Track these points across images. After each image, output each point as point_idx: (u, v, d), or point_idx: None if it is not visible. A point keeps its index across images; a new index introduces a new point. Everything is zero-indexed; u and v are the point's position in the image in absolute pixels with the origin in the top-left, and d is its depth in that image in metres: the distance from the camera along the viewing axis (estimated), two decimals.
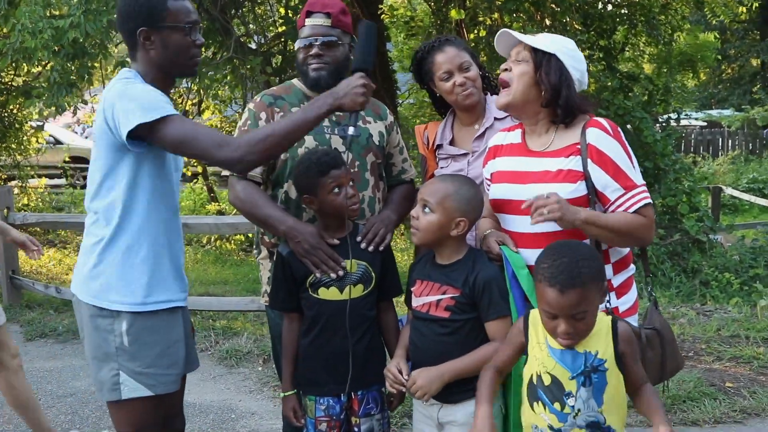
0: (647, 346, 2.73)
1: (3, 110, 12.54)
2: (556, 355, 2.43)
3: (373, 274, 3.02)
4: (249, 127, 3.21)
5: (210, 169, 15.52)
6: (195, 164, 14.28)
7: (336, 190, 2.96)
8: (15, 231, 4.63)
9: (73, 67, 7.96)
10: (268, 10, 11.28)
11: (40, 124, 13.38)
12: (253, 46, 10.49)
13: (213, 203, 14.82)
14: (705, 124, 26.62)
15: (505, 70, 2.84)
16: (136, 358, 2.78)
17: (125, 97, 2.66)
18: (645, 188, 2.70)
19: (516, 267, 2.73)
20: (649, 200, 2.69)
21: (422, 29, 11.93)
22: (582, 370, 2.39)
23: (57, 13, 7.74)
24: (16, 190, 13.42)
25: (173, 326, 2.88)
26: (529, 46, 2.79)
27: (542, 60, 2.76)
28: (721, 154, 23.25)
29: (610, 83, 9.74)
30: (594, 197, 2.68)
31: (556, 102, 2.75)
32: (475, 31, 10.10)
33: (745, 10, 13.58)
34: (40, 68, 9.82)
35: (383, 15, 10.85)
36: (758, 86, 27.88)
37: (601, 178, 2.67)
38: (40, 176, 15.86)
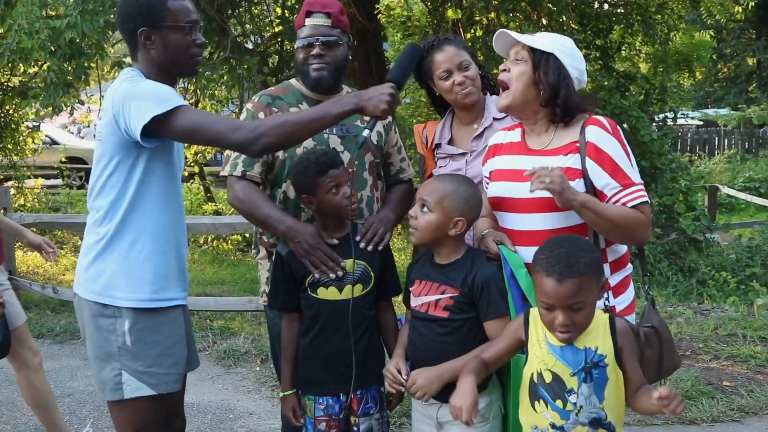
0: (646, 345, 2.73)
1: None
2: (557, 351, 2.43)
3: (372, 273, 3.02)
4: None
5: (207, 169, 15.52)
6: (191, 164, 14.28)
7: (334, 189, 2.96)
8: (31, 233, 4.66)
9: (69, 68, 7.95)
10: (265, 10, 11.28)
11: (36, 124, 13.36)
12: (250, 46, 10.49)
13: (210, 203, 14.81)
14: (701, 123, 26.64)
15: (504, 70, 2.84)
16: (139, 357, 2.78)
17: (136, 94, 2.67)
18: (642, 187, 2.70)
19: (514, 266, 2.73)
20: (647, 199, 2.68)
21: (419, 29, 11.91)
22: (583, 366, 2.40)
23: (54, 13, 7.74)
24: (12, 191, 13.40)
25: (175, 325, 2.89)
26: (527, 45, 2.80)
27: (540, 59, 2.76)
28: (718, 153, 23.27)
29: (606, 82, 9.75)
30: (592, 194, 2.68)
31: (555, 101, 2.75)
32: (472, 31, 10.10)
33: (741, 9, 13.57)
34: (36, 68, 9.81)
35: (380, 15, 10.85)
36: (754, 85, 27.93)
37: (599, 176, 2.67)
38: (36, 177, 15.84)
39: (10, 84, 11.82)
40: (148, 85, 2.73)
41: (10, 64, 9.30)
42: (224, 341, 6.73)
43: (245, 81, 9.76)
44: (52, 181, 18.32)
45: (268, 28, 11.25)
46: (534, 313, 2.53)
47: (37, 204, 14.55)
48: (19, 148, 13.47)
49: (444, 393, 2.77)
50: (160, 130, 2.66)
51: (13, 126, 12.92)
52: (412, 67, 3.04)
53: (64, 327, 7.36)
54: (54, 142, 19.85)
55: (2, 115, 12.62)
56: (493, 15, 9.81)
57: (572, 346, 2.42)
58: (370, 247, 3.03)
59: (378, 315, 3.10)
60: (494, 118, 3.29)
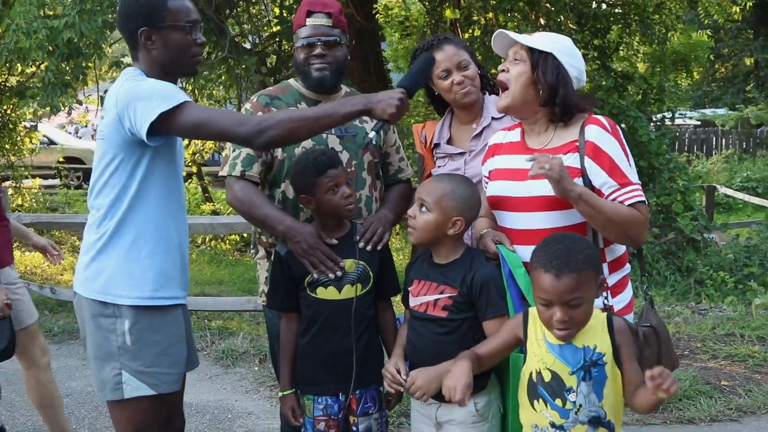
0: (644, 344, 2.72)
1: None
2: (555, 350, 2.43)
3: (371, 273, 3.02)
4: None
5: (205, 169, 15.52)
6: (189, 164, 14.28)
7: (333, 189, 2.96)
8: (36, 236, 4.67)
9: (67, 67, 7.94)
10: (263, 10, 11.27)
11: (34, 124, 13.35)
12: (248, 45, 10.48)
13: (207, 203, 14.82)
14: (699, 123, 26.68)
15: (503, 71, 2.84)
16: (139, 357, 2.78)
17: (141, 92, 2.68)
18: (640, 187, 2.70)
19: (513, 266, 2.73)
20: (644, 199, 2.68)
21: (417, 29, 11.94)
22: (582, 365, 2.40)
23: (51, 13, 7.74)
24: (10, 191, 13.41)
25: (175, 324, 2.89)
26: (525, 45, 2.80)
27: (539, 59, 2.76)
28: (715, 153, 23.30)
29: (604, 82, 9.76)
30: None
31: (554, 101, 2.75)
32: (470, 31, 10.12)
33: (738, 10, 13.59)
34: (34, 68, 9.81)
35: (378, 15, 10.86)
36: (752, 85, 27.98)
37: (597, 174, 2.67)
38: (34, 177, 15.84)
39: (7, 84, 11.81)
40: (152, 83, 2.73)
41: (7, 64, 9.28)
42: (222, 341, 6.73)
43: (243, 81, 9.76)
44: (50, 181, 18.33)
45: (266, 28, 11.24)
46: (533, 312, 2.53)
47: (34, 204, 14.55)
48: (16, 148, 13.47)
49: (442, 393, 2.78)
50: (165, 127, 2.66)
51: (10, 126, 12.92)
52: (425, 76, 3.06)
53: (62, 327, 7.36)
54: (52, 142, 19.85)
55: (0, 115, 12.61)
56: (491, 15, 9.83)
57: (571, 344, 2.42)
58: (369, 247, 3.03)
59: (377, 315, 3.10)
60: (493, 118, 3.29)
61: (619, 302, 2.77)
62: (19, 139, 13.42)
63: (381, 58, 11.43)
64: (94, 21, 7.25)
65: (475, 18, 10.09)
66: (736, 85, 29.32)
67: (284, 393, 3.11)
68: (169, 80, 2.89)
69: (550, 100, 2.76)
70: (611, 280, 2.77)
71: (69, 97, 8.63)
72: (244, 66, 9.02)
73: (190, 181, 15.46)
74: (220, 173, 3.28)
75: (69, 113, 9.24)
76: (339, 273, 2.97)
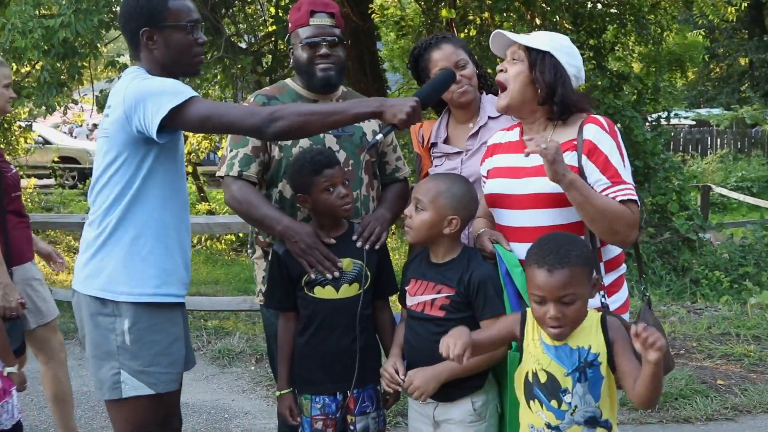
0: None
1: None
2: (551, 351, 2.44)
3: (368, 272, 3.03)
4: None
5: (200, 168, 15.50)
6: (185, 164, 14.26)
7: (329, 189, 2.96)
8: (42, 242, 4.67)
9: (63, 67, 7.94)
10: (259, 10, 11.27)
11: (29, 123, 13.33)
12: (244, 45, 10.48)
13: (203, 203, 14.80)
14: (694, 122, 26.70)
15: (501, 71, 2.85)
16: (138, 356, 2.78)
17: (149, 89, 2.69)
18: (632, 187, 2.69)
19: (509, 265, 2.74)
20: (635, 198, 2.66)
21: (413, 29, 11.93)
22: (577, 366, 2.40)
23: (47, 12, 7.73)
24: None
25: (174, 323, 2.90)
26: (523, 45, 2.80)
27: (537, 58, 2.77)
28: (710, 153, 23.32)
29: (600, 82, 9.77)
30: None
31: (552, 99, 2.76)
32: (466, 31, 10.11)
33: (733, 10, 13.62)
34: (29, 68, 9.79)
35: (373, 14, 10.85)
36: (746, 85, 27.99)
37: (591, 172, 2.67)
38: (29, 176, 15.81)
39: None
40: (159, 81, 2.74)
41: None
42: (219, 341, 6.72)
43: (239, 80, 9.77)
44: (45, 181, 18.29)
45: (261, 28, 11.25)
46: (531, 312, 2.53)
47: (29, 204, 14.51)
48: (11, 147, 13.44)
49: (441, 392, 2.78)
50: (175, 123, 2.67)
51: (5, 125, 12.89)
52: (442, 91, 3.06)
53: (59, 327, 7.32)
54: (47, 142, 19.83)
55: None
56: (486, 15, 9.83)
57: (566, 345, 2.42)
58: (366, 246, 3.03)
59: (375, 314, 3.10)
60: (489, 117, 3.29)
61: (614, 302, 2.77)
62: (14, 138, 13.39)
63: (377, 57, 11.44)
64: (90, 20, 7.25)
65: (470, 18, 10.08)
66: (731, 85, 29.34)
67: (282, 392, 3.11)
68: None
69: (548, 99, 2.76)
70: (607, 279, 2.77)
71: (64, 96, 8.62)
72: (239, 65, 9.02)
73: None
74: (218, 174, 3.28)
75: (64, 113, 9.21)
76: (336, 273, 2.97)
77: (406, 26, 12.19)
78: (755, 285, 8.14)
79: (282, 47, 9.73)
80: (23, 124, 13.31)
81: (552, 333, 2.41)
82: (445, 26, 9.84)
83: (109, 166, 2.79)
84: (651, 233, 9.28)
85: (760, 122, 23.85)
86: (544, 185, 2.65)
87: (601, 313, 2.49)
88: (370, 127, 3.33)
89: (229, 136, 3.28)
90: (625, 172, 2.70)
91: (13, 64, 9.41)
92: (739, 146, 24.04)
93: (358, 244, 3.03)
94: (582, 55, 3.00)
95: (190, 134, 12.39)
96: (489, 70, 3.58)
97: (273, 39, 10.20)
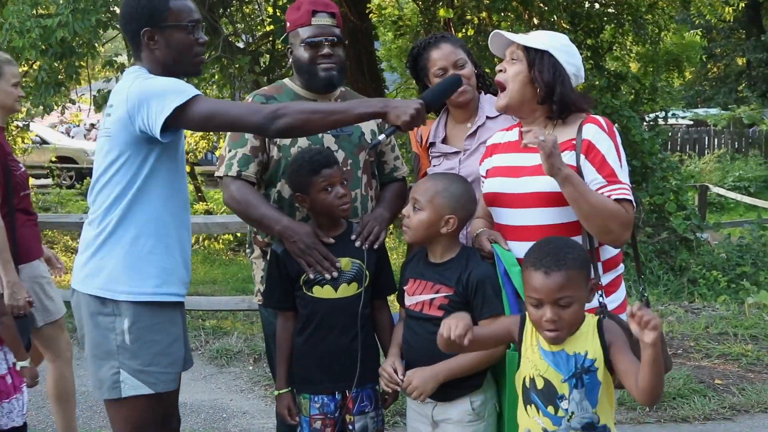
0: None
1: None
2: (549, 357, 2.43)
3: (367, 272, 3.03)
4: None
5: (197, 168, 15.50)
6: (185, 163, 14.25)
7: (327, 189, 2.96)
8: (43, 247, 4.66)
9: (60, 67, 7.93)
10: (256, 9, 11.28)
11: (26, 123, 13.31)
12: (241, 45, 10.49)
13: (201, 203, 14.80)
14: (691, 122, 26.73)
15: (500, 71, 2.85)
16: (137, 356, 2.78)
17: (153, 89, 2.69)
18: (628, 187, 2.68)
19: (508, 264, 2.74)
20: (631, 198, 2.66)
21: (410, 28, 11.94)
22: (574, 372, 2.39)
23: (45, 12, 7.72)
24: None
25: (174, 323, 2.90)
26: (522, 45, 2.81)
27: (535, 58, 2.77)
28: (708, 153, 23.32)
29: (597, 82, 9.78)
30: None
31: (551, 98, 2.76)
32: (463, 30, 10.12)
33: (731, 10, 13.63)
34: (27, 68, 9.79)
35: (371, 14, 10.86)
36: (744, 85, 28.06)
37: (588, 171, 2.67)
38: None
39: None
40: (163, 80, 2.75)
41: None
42: (217, 341, 6.72)
43: (236, 80, 9.77)
44: (42, 181, 18.28)
45: (259, 28, 11.25)
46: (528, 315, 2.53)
47: None
48: None
49: (439, 392, 2.78)
50: (178, 121, 2.67)
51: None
52: (447, 96, 3.09)
53: None
54: (44, 142, 19.82)
55: None
56: (484, 14, 9.84)
57: (563, 351, 2.41)
58: (365, 246, 3.04)
59: (373, 313, 3.10)
60: (488, 117, 3.29)
61: (612, 301, 2.77)
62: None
63: (374, 57, 11.44)
64: (88, 20, 7.24)
65: (468, 17, 10.09)
66: (728, 85, 29.40)
67: (280, 392, 3.11)
68: None
69: (547, 98, 2.77)
70: (605, 279, 2.77)
71: (62, 96, 8.61)
72: (237, 65, 9.03)
73: None
74: (216, 174, 3.28)
75: (62, 113, 9.21)
76: (335, 274, 2.97)
77: (404, 26, 12.20)
78: (753, 285, 8.15)
79: (280, 47, 9.73)
80: (21, 124, 13.28)
81: (548, 336, 2.40)
82: (442, 26, 9.85)
83: (110, 166, 2.79)
84: (649, 233, 9.29)
85: (757, 122, 23.92)
86: (543, 184, 2.65)
87: (597, 317, 2.49)
88: (368, 127, 3.33)
89: (228, 136, 3.28)
90: (622, 173, 2.69)
91: None
92: (736, 146, 24.04)
93: (357, 243, 3.03)
94: (579, 54, 3.00)
95: (188, 134, 12.38)
96: (487, 70, 3.58)
97: (271, 39, 10.20)
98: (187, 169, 13.14)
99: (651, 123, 11.08)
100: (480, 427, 2.82)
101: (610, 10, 11.35)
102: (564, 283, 2.34)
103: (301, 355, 3.05)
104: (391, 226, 3.31)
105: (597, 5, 11.53)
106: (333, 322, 2.99)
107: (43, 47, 7.44)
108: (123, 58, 10.02)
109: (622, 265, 2.91)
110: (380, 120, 3.25)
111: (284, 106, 2.72)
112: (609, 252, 2.82)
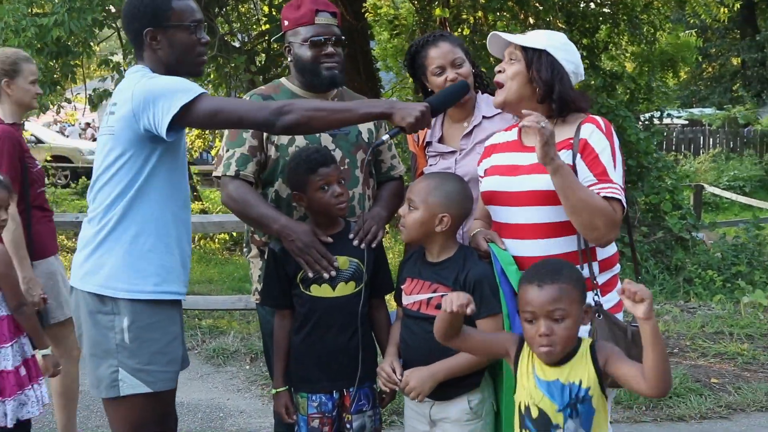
0: (632, 344, 2.72)
1: None
2: (543, 387, 2.41)
3: (364, 271, 3.03)
4: None
5: (193, 168, 15.48)
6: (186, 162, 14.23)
7: (324, 187, 2.96)
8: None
9: (56, 66, 7.92)
10: (252, 9, 11.27)
11: (21, 122, 13.26)
12: (237, 44, 10.48)
13: (196, 202, 14.78)
14: (686, 122, 26.78)
15: (500, 71, 2.85)
16: (136, 355, 2.78)
17: (159, 88, 2.69)
18: (619, 187, 2.67)
19: (504, 263, 2.74)
20: (620, 198, 2.65)
21: (406, 28, 11.95)
22: (568, 402, 2.39)
23: (40, 11, 7.72)
24: None
25: (173, 322, 2.90)
26: (519, 45, 2.81)
27: (533, 57, 2.77)
28: (703, 152, 23.36)
29: (593, 82, 9.80)
30: None
31: (551, 97, 2.76)
32: (459, 30, 10.14)
33: (726, 11, 13.65)
34: None
35: (367, 13, 10.86)
36: (738, 84, 28.11)
37: (581, 169, 2.68)
38: None
39: None
40: (168, 79, 2.75)
41: None
42: (213, 340, 6.71)
43: (232, 79, 9.76)
44: None
45: (255, 27, 11.24)
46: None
47: None
48: None
49: (437, 391, 2.79)
50: (184, 120, 2.68)
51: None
52: (454, 101, 3.09)
53: None
54: (39, 141, 19.79)
55: None
56: (480, 14, 9.86)
57: (558, 381, 2.39)
58: (363, 245, 3.04)
59: (371, 312, 3.10)
60: (484, 117, 3.29)
61: (608, 301, 2.77)
62: None
63: (370, 57, 11.45)
64: (84, 19, 7.23)
65: (464, 17, 10.11)
66: (723, 85, 29.45)
67: (278, 390, 3.11)
68: None
69: (546, 97, 2.77)
70: (601, 279, 2.77)
71: (57, 95, 8.60)
72: (233, 64, 9.03)
73: None
74: (214, 174, 3.27)
75: (57, 112, 9.19)
76: (333, 273, 2.97)
77: (400, 25, 12.21)
78: (748, 284, 8.17)
79: (275, 46, 9.73)
80: None
81: (542, 352, 2.37)
82: (438, 25, 9.87)
83: (112, 164, 2.78)
84: (644, 232, 9.31)
85: (752, 122, 23.97)
86: (540, 183, 2.65)
87: (591, 340, 2.47)
88: (365, 126, 3.33)
89: (226, 136, 3.28)
90: (615, 173, 2.68)
91: None
92: (731, 146, 24.08)
93: (355, 242, 3.03)
94: (578, 52, 3.01)
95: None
96: (483, 70, 3.59)
97: (266, 38, 10.19)
98: None
99: (646, 123, 11.08)
100: (478, 426, 2.83)
101: (605, 9, 11.38)
102: (557, 296, 2.33)
103: (299, 353, 3.05)
104: (387, 226, 3.31)
105: (592, 5, 11.56)
106: (331, 320, 2.99)
107: (39, 46, 7.43)
108: (118, 57, 10.01)
109: (618, 265, 2.92)
110: (377, 120, 3.27)
111: (290, 103, 2.72)
112: (605, 252, 2.82)
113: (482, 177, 2.97)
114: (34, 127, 19.69)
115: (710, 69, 30.62)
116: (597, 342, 2.46)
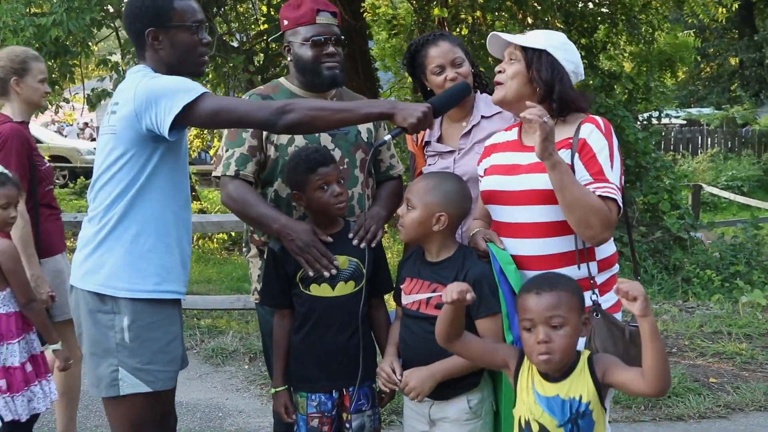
0: (630, 344, 2.72)
1: None
2: (543, 402, 2.41)
3: (364, 270, 3.03)
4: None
5: (191, 168, 15.46)
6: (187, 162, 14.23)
7: (323, 187, 2.97)
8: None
9: (54, 66, 7.91)
10: (250, 8, 11.27)
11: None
12: (235, 44, 10.48)
13: (194, 201, 14.78)
14: (685, 122, 26.80)
15: (500, 72, 2.86)
16: (136, 354, 2.78)
17: (161, 87, 2.70)
18: (615, 187, 2.67)
19: (503, 263, 2.74)
20: (616, 197, 2.65)
21: (404, 28, 11.96)
22: (569, 418, 2.39)
23: (38, 11, 7.71)
24: None
25: (173, 321, 2.90)
26: (519, 45, 2.81)
27: (533, 57, 2.78)
28: (701, 152, 23.38)
29: (591, 81, 9.80)
30: None
31: (551, 96, 2.77)
32: (458, 30, 10.14)
33: (724, 11, 13.66)
34: None
35: (365, 13, 10.86)
36: (736, 84, 28.14)
37: (578, 168, 2.68)
38: None
39: None
40: (170, 79, 2.76)
41: None
42: (212, 340, 6.71)
43: (231, 79, 9.76)
44: None
45: (253, 27, 11.24)
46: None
47: None
48: None
49: (436, 391, 2.79)
50: (187, 119, 2.68)
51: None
52: (456, 102, 3.09)
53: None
54: (37, 141, 19.68)
55: None
56: (478, 14, 9.87)
57: (558, 397, 2.39)
58: (362, 245, 3.04)
59: (370, 312, 3.11)
60: (483, 116, 3.29)
61: (607, 300, 2.77)
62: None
63: (368, 56, 11.45)
64: (82, 19, 7.23)
65: (462, 17, 10.12)
66: (722, 85, 29.48)
67: (277, 390, 3.12)
68: None
69: (546, 96, 2.77)
70: (600, 278, 2.77)
71: (56, 95, 8.59)
72: (231, 64, 9.02)
73: None
74: (214, 174, 3.27)
75: (56, 112, 9.18)
76: (334, 271, 2.97)
77: (398, 25, 12.22)
78: (746, 284, 8.18)
79: (273, 46, 9.73)
80: None
81: (540, 360, 2.37)
82: (436, 25, 9.87)
83: (114, 163, 2.78)
84: (643, 232, 9.31)
85: (750, 121, 24.00)
86: (539, 182, 2.66)
87: (589, 353, 2.47)
88: (365, 126, 3.33)
89: (225, 136, 3.28)
90: (612, 173, 2.68)
91: None
92: (729, 145, 24.10)
93: (355, 242, 3.04)
94: (578, 52, 3.01)
95: None
96: (482, 69, 3.59)
97: (265, 38, 10.19)
98: None
99: (644, 122, 11.09)
100: (477, 426, 2.83)
101: (603, 9, 11.39)
102: (555, 303, 2.34)
103: (299, 353, 3.05)
104: (386, 225, 3.31)
105: (591, 5, 11.57)
106: (330, 320, 2.99)
107: (37, 46, 7.41)
108: (117, 57, 10.01)
109: (617, 266, 2.92)
110: (378, 120, 3.27)
111: (292, 102, 2.73)
112: (604, 251, 2.82)
113: (482, 176, 2.97)
114: (32, 126, 19.63)
115: (708, 69, 30.65)
116: (594, 355, 2.46)
